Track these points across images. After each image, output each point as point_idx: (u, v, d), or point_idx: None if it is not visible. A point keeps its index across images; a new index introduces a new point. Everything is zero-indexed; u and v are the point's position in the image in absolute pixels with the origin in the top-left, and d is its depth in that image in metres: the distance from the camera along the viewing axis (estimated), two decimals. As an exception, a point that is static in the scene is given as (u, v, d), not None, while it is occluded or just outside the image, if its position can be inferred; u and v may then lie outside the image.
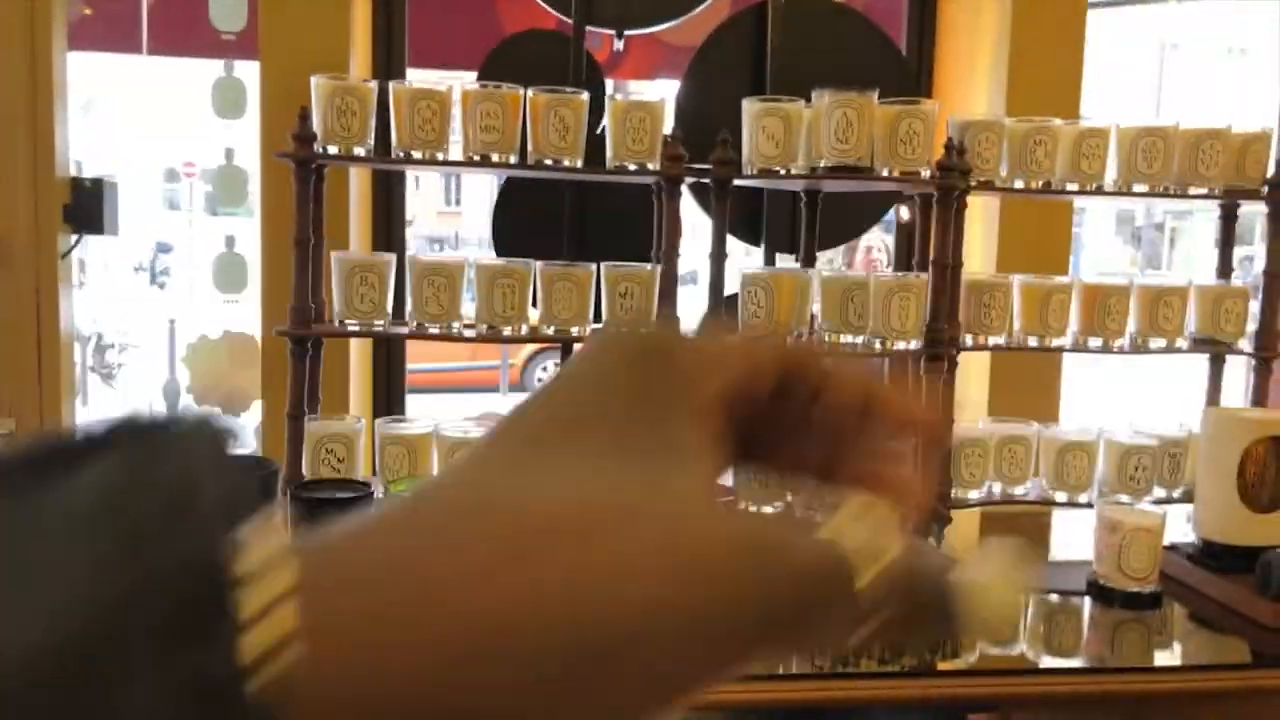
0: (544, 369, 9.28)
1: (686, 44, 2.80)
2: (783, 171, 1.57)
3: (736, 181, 1.58)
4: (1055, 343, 1.76)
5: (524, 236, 1.94)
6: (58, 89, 2.20)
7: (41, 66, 2.17)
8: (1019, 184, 1.71)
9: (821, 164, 1.55)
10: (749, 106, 1.58)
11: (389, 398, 2.34)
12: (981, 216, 2.42)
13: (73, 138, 2.25)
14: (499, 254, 1.93)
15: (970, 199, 2.23)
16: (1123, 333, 1.76)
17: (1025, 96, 2.22)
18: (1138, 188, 1.71)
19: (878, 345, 1.59)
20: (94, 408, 2.97)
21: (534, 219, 2.02)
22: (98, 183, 2.28)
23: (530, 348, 9.21)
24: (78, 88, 2.32)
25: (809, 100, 1.59)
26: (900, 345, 1.59)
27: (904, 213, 2.83)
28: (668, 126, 1.61)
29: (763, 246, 2.07)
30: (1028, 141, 1.69)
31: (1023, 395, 2.36)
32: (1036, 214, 2.32)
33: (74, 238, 2.27)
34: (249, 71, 2.53)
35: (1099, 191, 1.72)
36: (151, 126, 3.06)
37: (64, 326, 2.24)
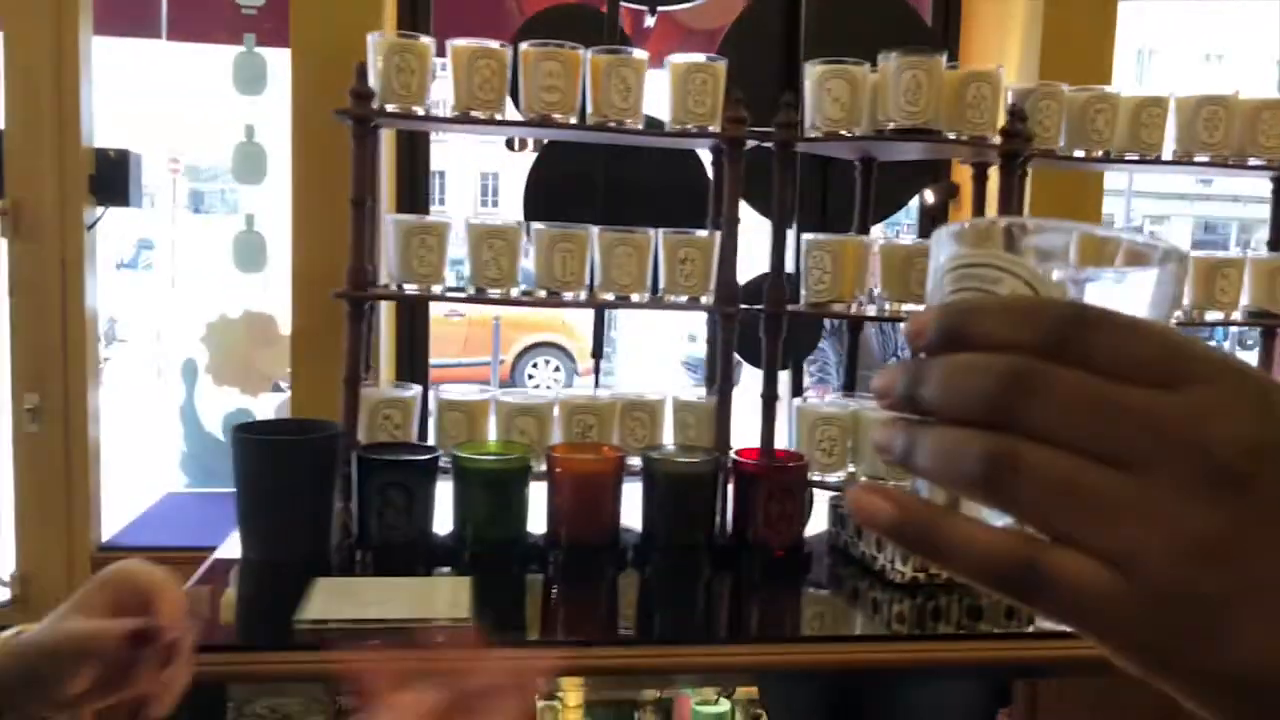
0: (534, 365, 9.25)
1: (703, 27, 2.78)
2: (848, 134, 1.54)
3: (799, 146, 1.56)
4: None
5: (557, 208, 1.91)
6: (83, 62, 2.15)
7: (67, 41, 2.13)
8: (1079, 153, 1.70)
9: (890, 126, 1.53)
10: (811, 70, 1.56)
11: (412, 370, 2.31)
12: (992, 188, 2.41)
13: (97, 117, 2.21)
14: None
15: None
16: (1235, 305, 1.74)
17: (1057, 68, 2.21)
18: (1199, 158, 1.69)
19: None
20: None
21: (566, 189, 2.00)
22: (122, 154, 2.23)
23: (521, 344, 9.18)
24: (100, 72, 2.27)
25: (873, 64, 1.57)
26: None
27: (929, 196, 2.82)
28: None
29: (795, 220, 2.05)
30: (1087, 110, 1.67)
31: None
32: (1067, 187, 2.31)
33: (99, 210, 2.22)
34: (268, 52, 2.50)
35: (1158, 161, 1.71)
36: (166, 110, 3.01)
37: (88, 300, 2.20)
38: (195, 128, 2.88)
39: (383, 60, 1.50)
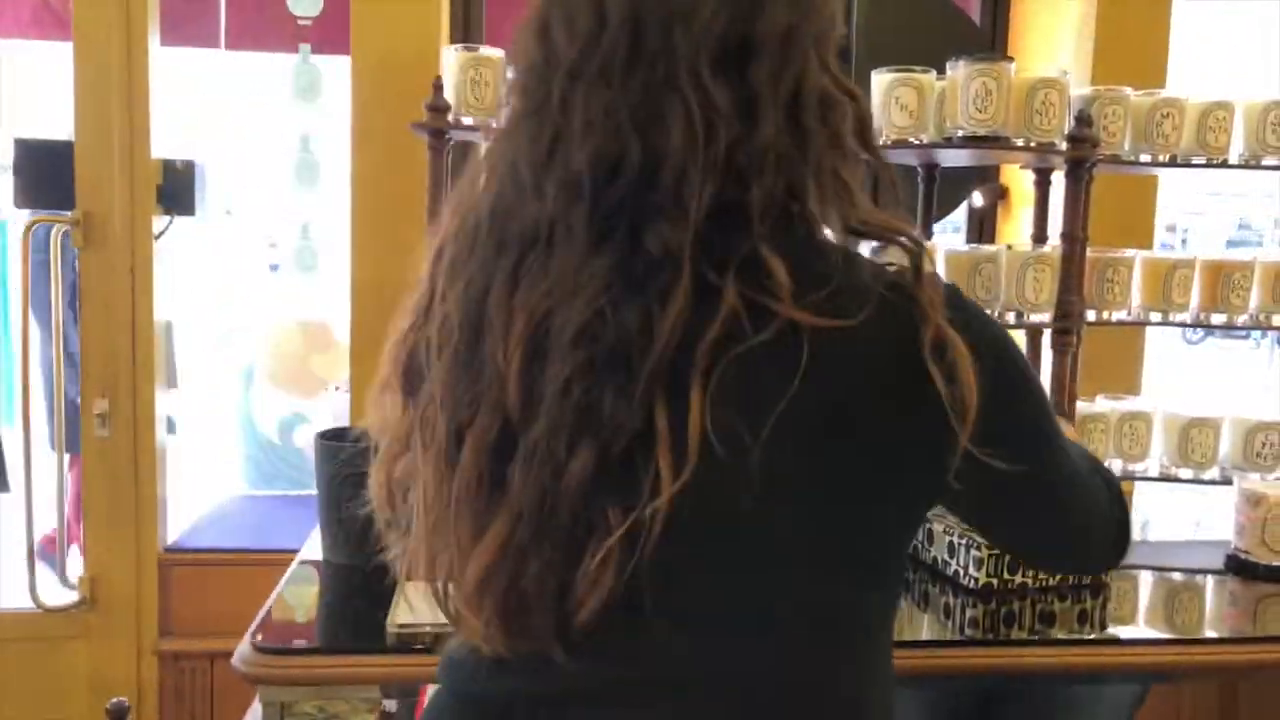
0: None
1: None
2: (916, 141, 1.55)
3: (866, 153, 1.57)
4: (1177, 318, 1.74)
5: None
6: (151, 74, 2.20)
7: (136, 52, 2.17)
8: (1144, 157, 1.70)
9: (959, 133, 1.53)
10: (879, 79, 1.57)
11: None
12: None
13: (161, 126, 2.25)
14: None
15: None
16: (1245, 308, 1.74)
17: (1110, 71, 2.20)
18: (1268, 161, 1.69)
19: (1010, 318, 1.58)
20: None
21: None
22: (189, 165, 2.28)
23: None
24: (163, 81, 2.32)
25: (941, 72, 1.58)
26: (1035, 318, 1.57)
27: (978, 198, 2.82)
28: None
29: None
30: (1153, 115, 1.67)
31: (1101, 373, 2.35)
32: (1119, 192, 2.30)
33: (166, 219, 2.27)
34: (323, 61, 2.54)
35: (1225, 165, 1.71)
36: (228, 119, 3.07)
37: (156, 308, 2.24)
38: (249, 136, 2.93)
39: (458, 73, 1.53)
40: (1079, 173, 1.60)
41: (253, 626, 1.15)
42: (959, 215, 2.83)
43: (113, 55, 2.16)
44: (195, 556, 2.32)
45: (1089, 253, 1.67)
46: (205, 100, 2.99)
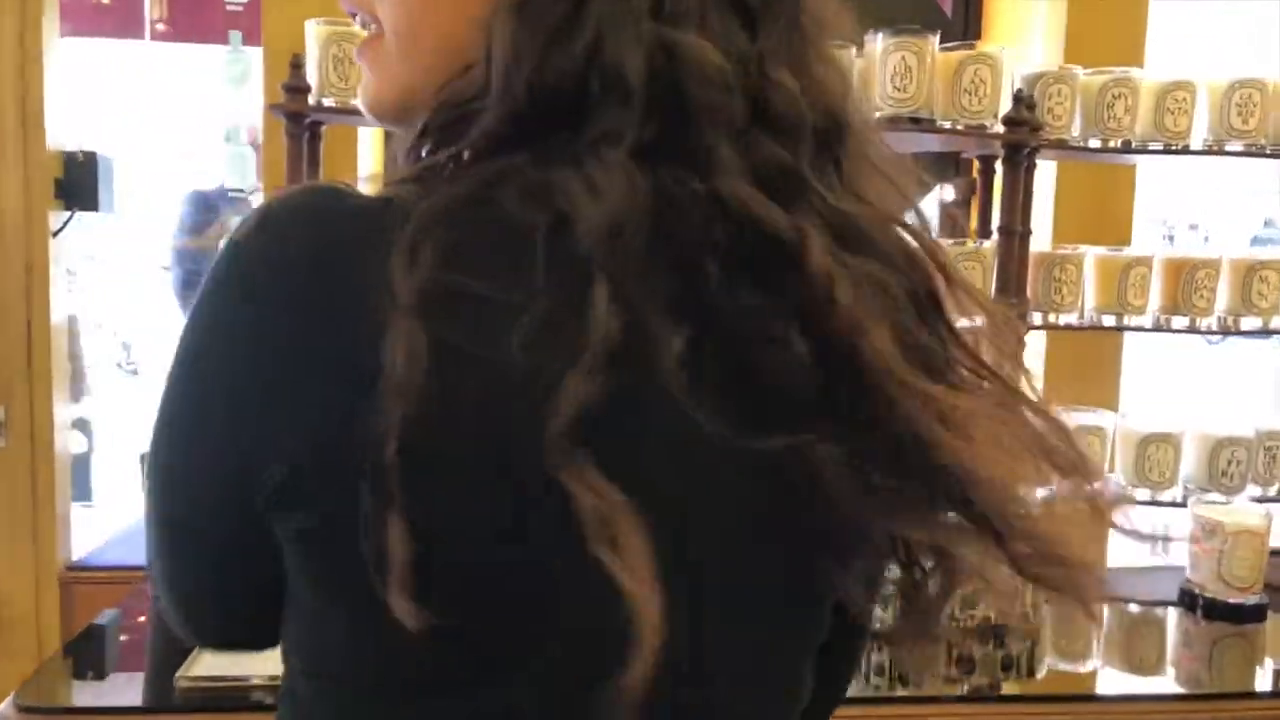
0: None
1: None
2: (831, 125, 1.39)
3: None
4: (1135, 321, 1.57)
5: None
6: (48, 63, 2.06)
7: (30, 42, 2.04)
8: (1094, 143, 1.53)
9: (876, 115, 1.37)
10: (792, 54, 1.41)
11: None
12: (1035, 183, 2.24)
13: (79, 121, 2.12)
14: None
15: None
16: (1210, 311, 1.57)
17: (1084, 53, 2.04)
18: (1231, 146, 1.52)
19: (937, 322, 1.41)
20: (116, 402, 2.86)
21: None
22: (91, 156, 2.14)
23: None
24: (84, 73, 2.18)
25: (860, 47, 1.42)
26: (962, 322, 1.40)
27: (948, 192, 2.64)
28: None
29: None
30: (1104, 95, 1.50)
31: (1080, 382, 2.18)
32: (1097, 180, 2.13)
33: (65, 215, 2.13)
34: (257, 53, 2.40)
35: (1185, 151, 1.53)
36: (155, 110, 2.94)
37: (55, 309, 2.11)
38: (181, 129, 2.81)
39: (320, 50, 1.38)
40: (1016, 159, 1.43)
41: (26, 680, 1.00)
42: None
43: (4, 44, 2.03)
44: (101, 574, 2.18)
45: (1032, 250, 1.51)
46: (132, 93, 2.87)
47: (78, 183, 2.13)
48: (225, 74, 2.49)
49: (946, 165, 2.40)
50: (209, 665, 1.01)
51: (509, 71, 0.46)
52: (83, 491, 2.59)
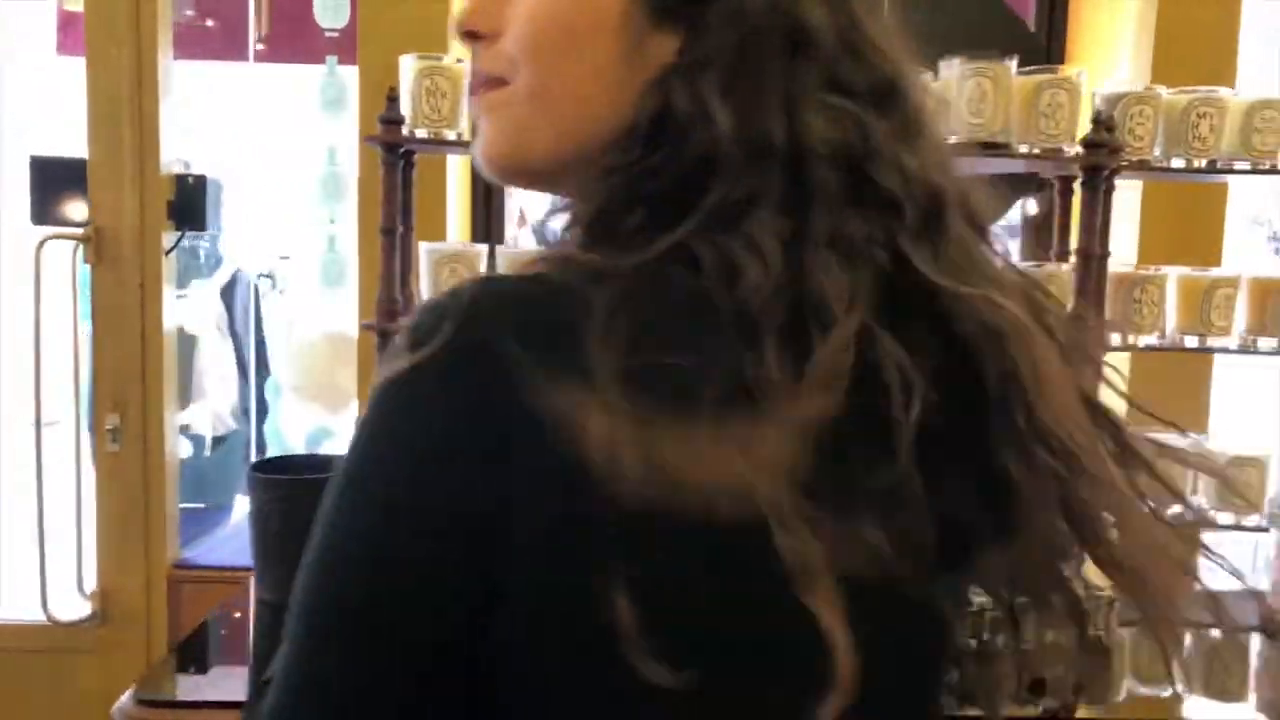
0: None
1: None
2: (907, 150, 1.41)
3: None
4: (1218, 343, 1.55)
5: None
6: (163, 88, 2.19)
7: (147, 67, 2.17)
8: (1177, 163, 1.52)
9: (952, 140, 1.39)
10: (869, 80, 1.43)
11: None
12: (1121, 203, 2.21)
13: (185, 140, 2.25)
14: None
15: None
16: (1301, 332, 1.54)
17: (1173, 72, 2.01)
18: (1321, 165, 1.49)
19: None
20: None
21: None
22: (200, 179, 2.27)
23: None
24: (188, 94, 2.31)
25: (935, 73, 1.44)
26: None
27: (1031, 206, 2.62)
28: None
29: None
30: (1188, 115, 1.49)
31: (1167, 404, 2.14)
32: (1185, 200, 2.10)
33: (176, 234, 2.26)
34: (352, 73, 2.50)
35: (1274, 171, 1.51)
36: (258, 132, 3.08)
37: (167, 322, 2.24)
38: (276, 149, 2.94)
39: (414, 83, 1.45)
40: (1095, 181, 1.43)
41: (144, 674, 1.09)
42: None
43: (123, 71, 2.17)
44: (203, 574, 2.31)
45: (1111, 270, 1.51)
46: (234, 113, 3.01)
47: (188, 204, 2.26)
48: (320, 97, 2.60)
49: (1029, 181, 2.38)
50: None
51: (688, 134, 0.49)
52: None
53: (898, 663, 0.49)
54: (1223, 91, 1.50)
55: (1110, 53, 2.31)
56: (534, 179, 0.58)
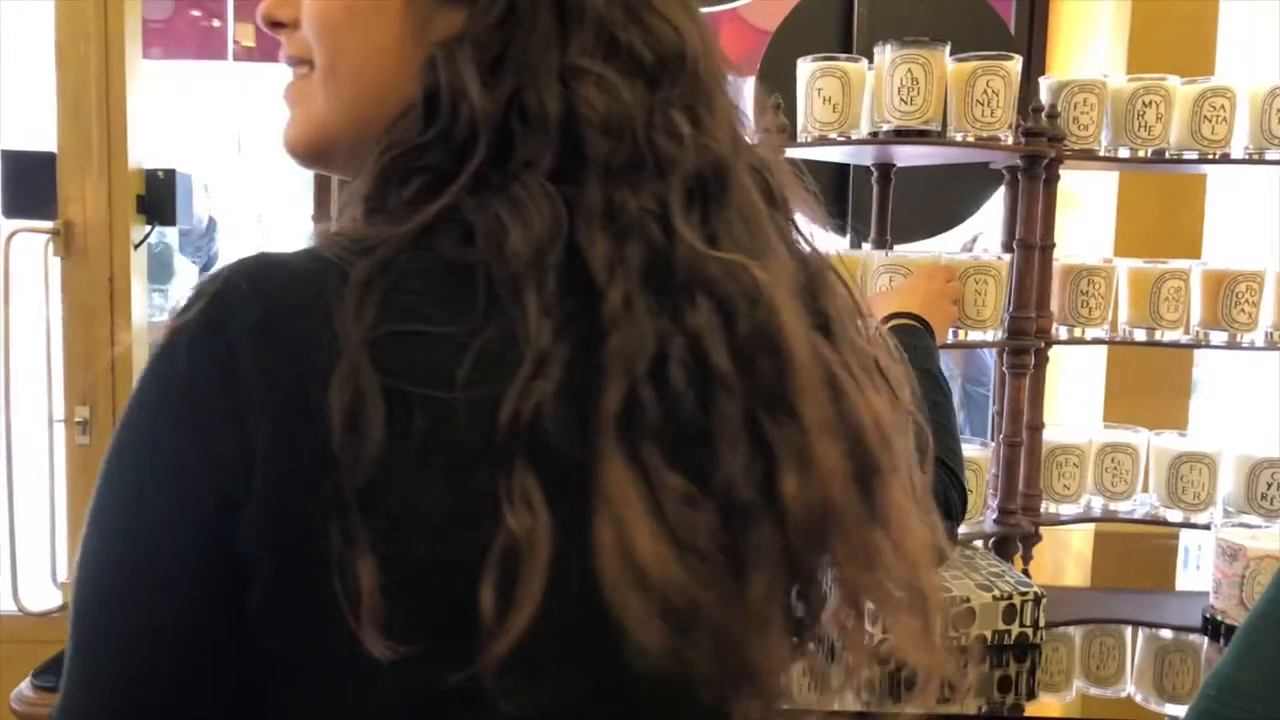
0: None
1: (770, 27, 2.64)
2: (839, 138, 1.39)
3: (789, 152, 1.41)
4: (1169, 336, 1.52)
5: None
6: (130, 84, 2.21)
7: (114, 63, 2.19)
8: (1124, 152, 1.48)
9: (884, 128, 1.36)
10: (804, 68, 1.42)
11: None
12: (1096, 196, 2.18)
13: (167, 140, 2.27)
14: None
15: (1091, 175, 2.00)
16: (1254, 326, 1.50)
17: (1151, 69, 1.97)
18: (1271, 155, 1.45)
19: (950, 335, 1.39)
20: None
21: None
22: (170, 174, 2.28)
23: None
24: (167, 93, 2.33)
25: (870, 60, 1.41)
26: (976, 335, 1.39)
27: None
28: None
29: (848, 235, 1.88)
30: (1134, 103, 1.46)
31: (1145, 401, 2.11)
32: (1161, 192, 2.06)
33: (146, 228, 2.28)
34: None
35: (1225, 160, 1.47)
36: (237, 128, 3.10)
37: (136, 316, 2.25)
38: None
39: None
40: (1034, 170, 1.41)
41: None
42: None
43: (91, 67, 2.18)
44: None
45: (1060, 263, 1.48)
46: (223, 111, 3.03)
47: (158, 198, 2.27)
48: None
49: (1000, 178, 2.35)
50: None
51: (454, 110, 0.49)
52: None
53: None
54: (1170, 80, 1.46)
55: (1088, 52, 2.27)
56: (332, 163, 0.58)
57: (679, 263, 0.47)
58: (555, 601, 0.42)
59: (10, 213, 2.30)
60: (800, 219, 0.57)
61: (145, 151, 2.27)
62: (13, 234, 2.21)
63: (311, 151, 0.57)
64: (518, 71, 0.49)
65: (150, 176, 2.28)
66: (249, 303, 0.43)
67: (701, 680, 0.46)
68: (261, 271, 0.45)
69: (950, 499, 0.91)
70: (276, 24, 0.57)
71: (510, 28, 0.50)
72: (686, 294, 0.47)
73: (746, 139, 0.55)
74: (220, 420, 0.43)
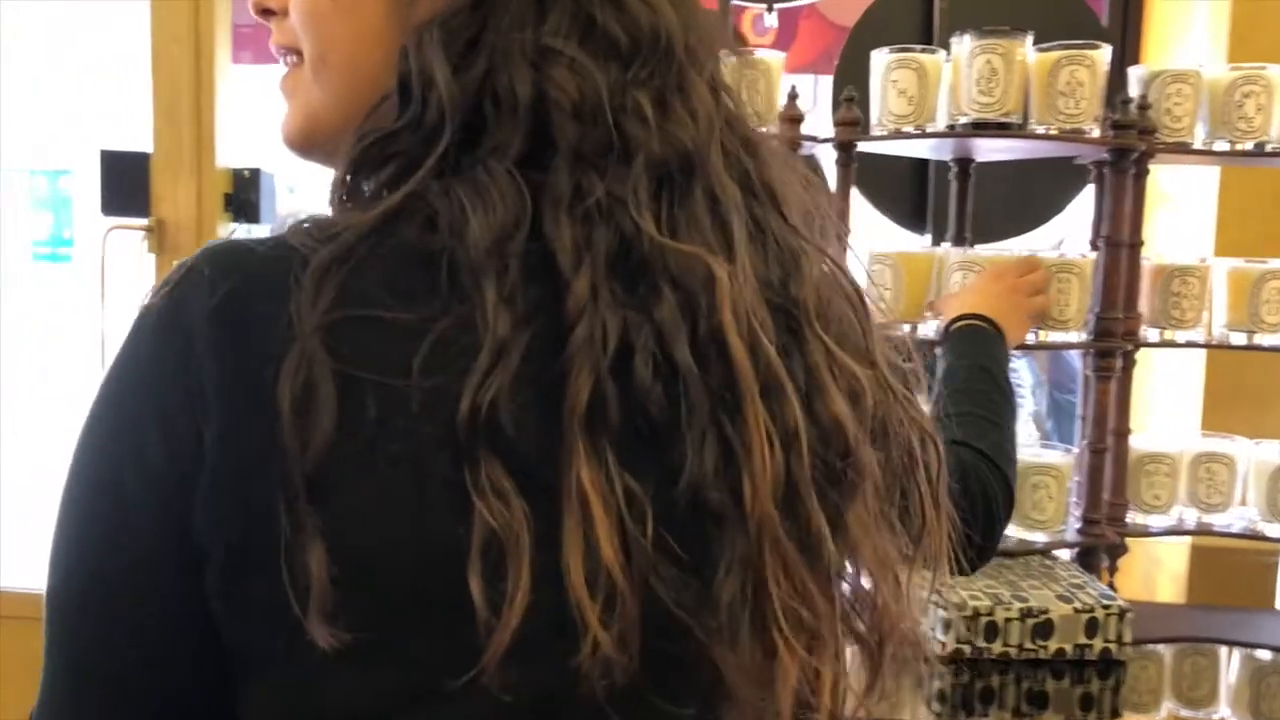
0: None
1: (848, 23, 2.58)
2: (914, 131, 1.35)
3: (863, 146, 1.38)
4: (1269, 341, 1.43)
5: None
6: (220, 87, 2.28)
7: (205, 66, 2.26)
8: (1221, 145, 1.41)
9: (960, 121, 1.32)
10: (878, 60, 1.38)
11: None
12: (1196, 194, 2.07)
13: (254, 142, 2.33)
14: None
15: (1189, 172, 1.91)
16: (1362, 330, 1.41)
17: (1250, 57, 1.88)
18: (1384, 146, 1.36)
19: (1030, 337, 1.34)
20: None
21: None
22: (255, 173, 2.34)
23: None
24: (255, 96, 2.40)
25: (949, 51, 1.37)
26: (1056, 337, 1.33)
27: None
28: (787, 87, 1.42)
29: (929, 234, 1.83)
30: (1233, 94, 1.38)
31: (1245, 408, 2.00)
32: (1270, 190, 1.95)
33: (233, 226, 2.34)
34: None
35: (1330, 153, 1.39)
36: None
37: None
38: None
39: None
40: (1123, 165, 1.34)
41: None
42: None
43: (183, 71, 2.25)
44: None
45: (1151, 263, 1.41)
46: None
47: (244, 197, 2.33)
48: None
49: (1085, 181, 2.26)
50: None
51: (424, 96, 0.48)
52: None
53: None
54: (1271, 69, 1.38)
55: (1184, 44, 2.17)
56: (329, 154, 0.57)
57: (645, 251, 0.46)
58: (540, 594, 0.41)
59: (108, 210, 2.39)
60: (793, 208, 0.53)
61: (233, 152, 2.34)
62: (110, 230, 2.30)
63: (308, 143, 0.57)
64: (490, 54, 0.48)
65: (237, 176, 2.34)
66: (209, 287, 0.44)
67: (672, 689, 0.44)
68: (225, 258, 0.45)
69: (991, 497, 0.87)
70: (267, 11, 0.58)
71: (485, 9, 0.49)
72: (652, 284, 0.45)
73: (731, 122, 0.53)
74: (178, 403, 0.43)
